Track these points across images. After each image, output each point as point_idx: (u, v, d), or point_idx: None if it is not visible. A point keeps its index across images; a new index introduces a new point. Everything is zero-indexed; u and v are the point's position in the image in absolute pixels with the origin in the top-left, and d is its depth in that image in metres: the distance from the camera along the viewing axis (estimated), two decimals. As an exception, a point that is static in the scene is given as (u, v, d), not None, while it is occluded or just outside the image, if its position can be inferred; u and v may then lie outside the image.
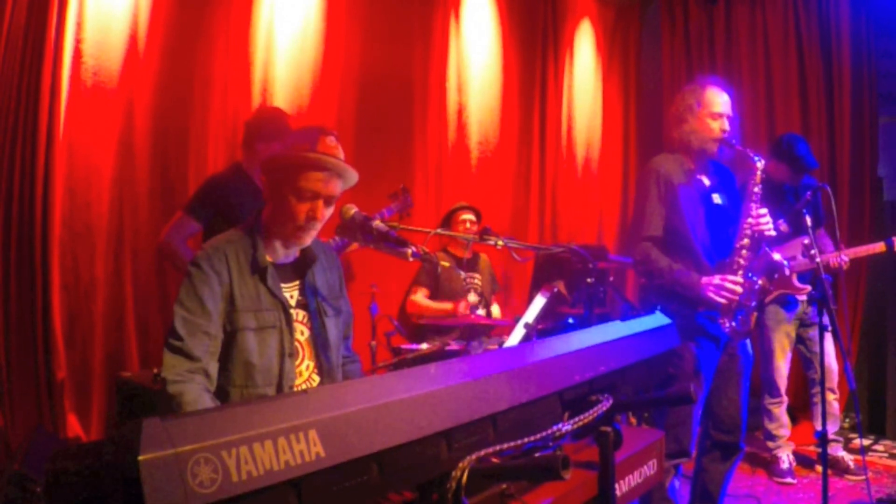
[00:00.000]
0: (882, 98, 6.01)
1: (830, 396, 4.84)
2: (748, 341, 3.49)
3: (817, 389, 4.80)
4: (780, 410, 4.88)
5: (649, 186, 3.41)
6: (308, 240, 2.33)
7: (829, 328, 3.60)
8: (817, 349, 4.53)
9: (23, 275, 3.78)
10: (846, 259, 4.50)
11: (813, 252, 3.73)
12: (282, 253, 2.38)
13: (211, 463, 0.95)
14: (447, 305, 4.99)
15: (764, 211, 3.29)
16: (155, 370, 3.60)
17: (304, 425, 1.07)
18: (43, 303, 3.79)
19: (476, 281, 5.26)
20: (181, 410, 2.07)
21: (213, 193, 3.69)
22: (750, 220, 3.27)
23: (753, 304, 3.29)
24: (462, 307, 4.83)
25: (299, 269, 2.42)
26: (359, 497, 1.15)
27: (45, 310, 3.79)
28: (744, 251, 3.27)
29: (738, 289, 3.20)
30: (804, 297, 4.71)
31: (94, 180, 4.03)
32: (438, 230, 3.40)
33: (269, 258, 2.32)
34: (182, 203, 3.82)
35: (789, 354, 4.86)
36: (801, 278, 4.61)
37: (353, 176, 2.31)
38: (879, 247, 4.60)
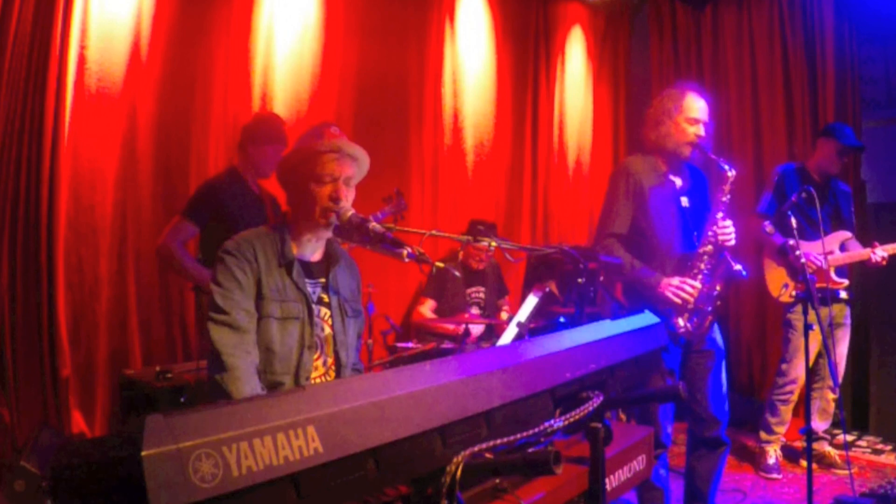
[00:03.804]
0: (865, 103, 6.08)
1: (830, 395, 4.93)
2: (717, 334, 3.56)
3: (819, 384, 4.90)
4: (787, 409, 4.90)
5: (618, 185, 3.51)
6: (334, 220, 2.42)
7: (814, 327, 3.67)
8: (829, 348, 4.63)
9: (28, 275, 3.84)
10: (885, 255, 4.55)
11: (799, 252, 3.82)
12: (307, 250, 2.47)
13: (212, 458, 0.98)
14: (449, 327, 5.04)
15: (728, 222, 3.37)
16: (157, 368, 3.68)
17: (302, 421, 1.10)
18: (48, 302, 3.86)
19: (481, 295, 5.32)
20: (232, 385, 2.17)
21: (209, 197, 3.76)
22: (715, 228, 3.36)
23: (709, 308, 3.38)
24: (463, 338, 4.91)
25: (324, 267, 2.52)
26: (356, 492, 1.18)
27: (50, 309, 3.86)
28: (706, 257, 3.36)
29: (695, 292, 3.31)
30: (843, 293, 4.79)
31: (98, 183, 4.10)
32: (434, 231, 3.47)
33: (295, 253, 2.42)
34: (182, 206, 3.88)
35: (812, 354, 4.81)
36: (839, 272, 4.69)
37: (364, 157, 2.47)
38: None
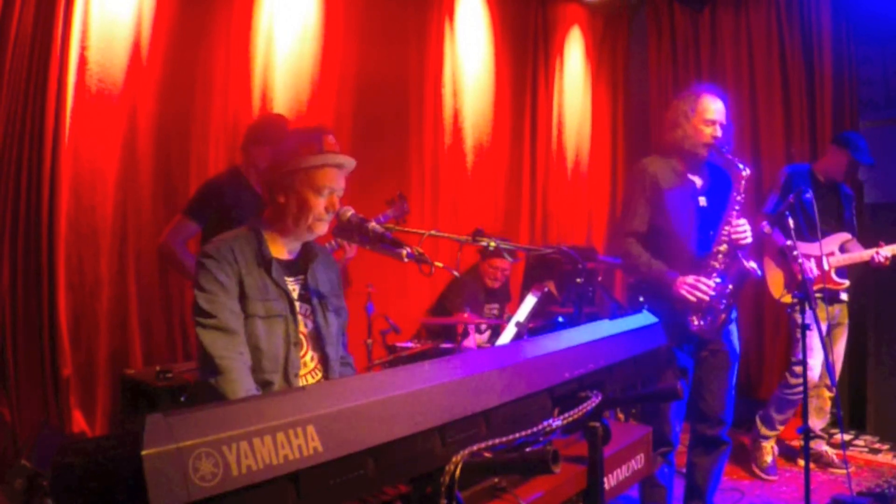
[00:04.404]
0: (863, 104, 6.09)
1: (826, 394, 4.94)
2: (735, 337, 3.59)
3: (816, 383, 4.87)
4: (794, 409, 4.86)
5: (636, 185, 3.55)
6: (324, 229, 2.47)
7: (811, 327, 3.68)
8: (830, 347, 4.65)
9: (29, 275, 3.86)
10: (888, 255, 4.54)
11: (795, 253, 3.84)
12: (285, 249, 2.49)
13: (212, 457, 0.98)
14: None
15: (742, 221, 3.39)
16: (157, 367, 3.69)
17: (302, 421, 1.10)
18: (49, 302, 3.88)
19: (494, 311, 5.34)
20: (227, 387, 2.18)
21: (211, 196, 3.77)
22: (728, 227, 3.38)
23: (722, 306, 3.40)
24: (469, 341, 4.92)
25: (301, 265, 2.53)
26: (355, 490, 1.18)
27: (51, 309, 3.88)
28: (720, 256, 3.38)
29: (710, 291, 3.33)
30: (844, 294, 4.79)
31: (99, 183, 4.12)
32: (433, 231, 3.48)
33: (273, 253, 2.43)
34: (184, 205, 3.91)
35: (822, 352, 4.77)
36: (839, 273, 4.70)
37: (352, 166, 2.49)
38: None
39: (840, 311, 4.90)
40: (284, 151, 2.43)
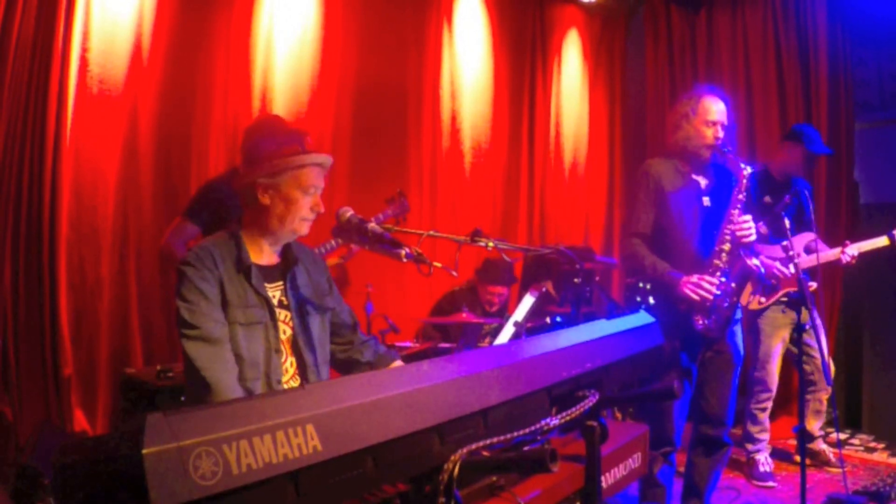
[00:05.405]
0: (858, 105, 6.13)
1: (823, 396, 4.91)
2: (739, 339, 3.60)
3: (812, 388, 4.86)
4: (766, 416, 4.87)
5: (640, 186, 3.58)
6: (306, 230, 2.45)
7: (808, 327, 3.69)
8: (812, 351, 4.60)
9: (31, 275, 3.88)
10: (855, 254, 4.50)
11: (792, 253, 3.85)
12: (266, 252, 2.47)
13: (212, 456, 0.98)
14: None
15: (747, 218, 3.39)
16: (158, 367, 3.70)
17: (301, 420, 1.10)
18: (50, 302, 3.90)
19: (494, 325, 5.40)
20: (216, 399, 2.15)
21: (211, 197, 3.77)
22: (731, 226, 3.39)
23: (726, 304, 3.40)
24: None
25: (281, 270, 2.50)
26: (354, 489, 1.18)
27: (52, 309, 3.90)
28: (723, 255, 3.38)
29: (714, 289, 3.32)
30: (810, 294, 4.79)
31: (100, 184, 4.15)
32: (432, 232, 3.49)
33: (253, 258, 2.41)
34: (184, 206, 3.92)
35: (780, 358, 4.86)
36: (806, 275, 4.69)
37: (330, 164, 2.49)
38: (882, 241, 4.52)
39: (805, 315, 4.85)
40: (264, 153, 2.39)
